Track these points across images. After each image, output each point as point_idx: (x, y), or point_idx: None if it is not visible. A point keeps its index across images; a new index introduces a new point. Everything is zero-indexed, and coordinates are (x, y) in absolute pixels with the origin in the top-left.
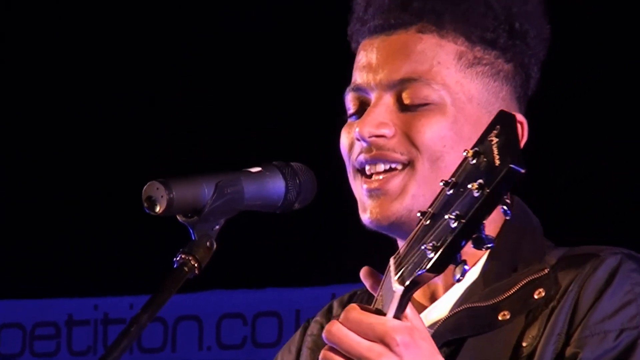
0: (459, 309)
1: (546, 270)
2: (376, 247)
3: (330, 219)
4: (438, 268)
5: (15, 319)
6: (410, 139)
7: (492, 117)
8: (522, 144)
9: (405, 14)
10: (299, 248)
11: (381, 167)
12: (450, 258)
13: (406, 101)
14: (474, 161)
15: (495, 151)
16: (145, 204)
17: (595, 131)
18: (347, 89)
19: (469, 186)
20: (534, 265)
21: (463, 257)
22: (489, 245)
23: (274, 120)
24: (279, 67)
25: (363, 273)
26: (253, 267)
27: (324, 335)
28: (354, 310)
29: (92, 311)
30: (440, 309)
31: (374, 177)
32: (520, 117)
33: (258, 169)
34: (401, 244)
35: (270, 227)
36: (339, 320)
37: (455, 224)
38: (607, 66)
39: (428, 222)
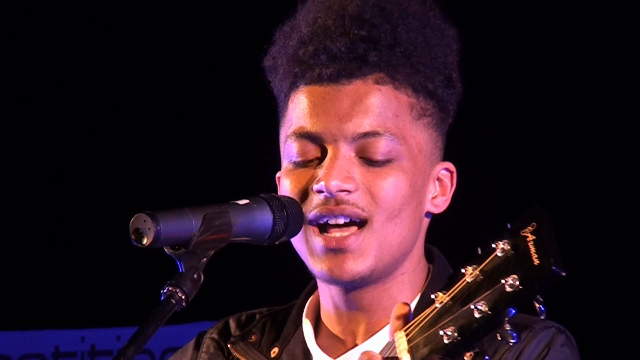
0: None
1: None
2: None
3: None
4: (453, 354)
5: (1, 350)
6: (372, 196)
7: (433, 167)
8: (451, 193)
9: (363, 65)
10: (287, 280)
11: (341, 220)
12: (468, 347)
13: (369, 156)
14: (502, 254)
15: (533, 249)
16: (133, 236)
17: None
18: (291, 134)
19: (502, 280)
20: None
21: None
22: (514, 342)
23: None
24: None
25: (400, 309)
26: (240, 299)
27: None
28: None
29: (79, 343)
30: None
31: (332, 233)
32: (451, 166)
33: (246, 201)
34: (337, 288)
35: (257, 258)
36: None
37: (480, 315)
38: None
39: (442, 305)
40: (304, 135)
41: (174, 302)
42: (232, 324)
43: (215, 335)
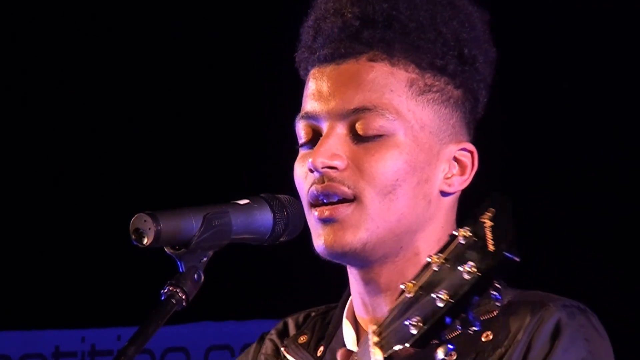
0: None
1: (495, 313)
2: None
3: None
4: (420, 344)
5: (2, 350)
6: (360, 173)
7: (445, 145)
8: (472, 174)
9: (356, 44)
10: (287, 279)
11: (334, 198)
12: (434, 336)
13: (360, 132)
14: (464, 241)
15: (489, 235)
16: (133, 236)
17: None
18: (297, 117)
19: (459, 268)
20: (483, 305)
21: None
22: (475, 329)
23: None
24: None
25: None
26: (241, 299)
27: None
28: None
29: (79, 343)
30: None
31: (326, 206)
32: (470, 146)
33: (246, 201)
34: (352, 270)
35: (258, 258)
36: None
37: (442, 304)
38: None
39: (411, 295)
40: (304, 117)
41: (174, 302)
42: (290, 324)
43: (274, 337)
